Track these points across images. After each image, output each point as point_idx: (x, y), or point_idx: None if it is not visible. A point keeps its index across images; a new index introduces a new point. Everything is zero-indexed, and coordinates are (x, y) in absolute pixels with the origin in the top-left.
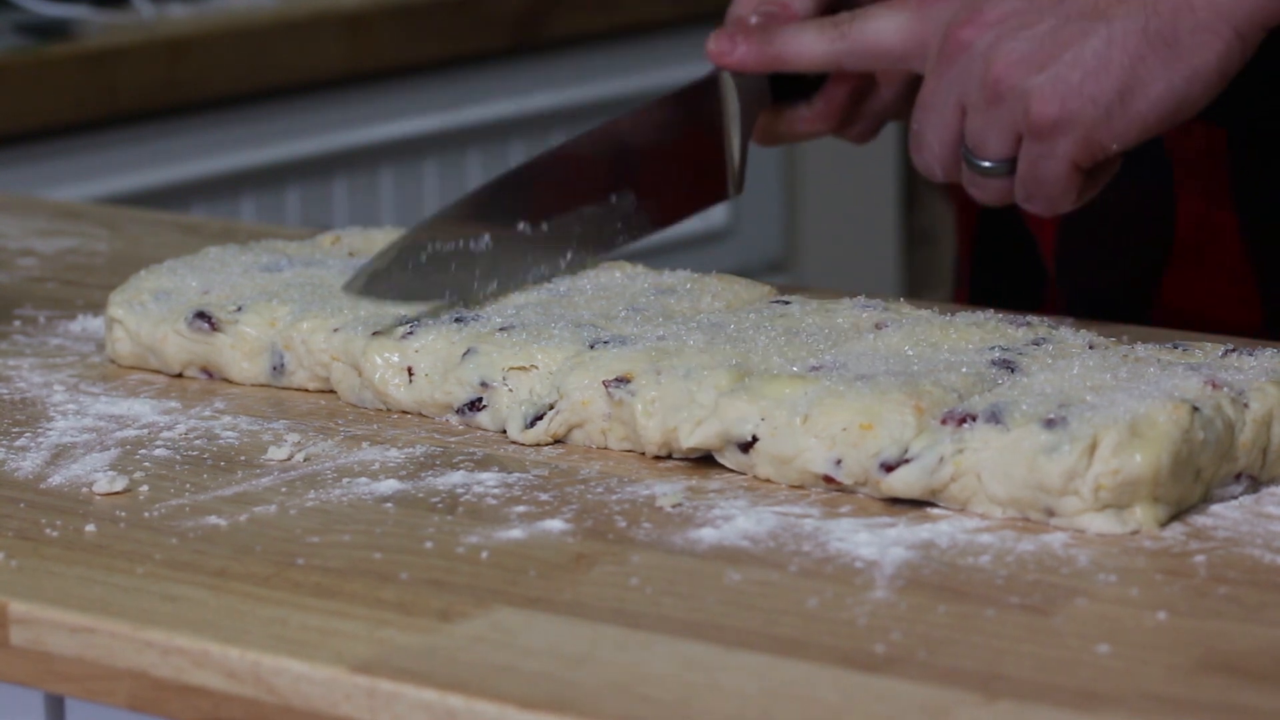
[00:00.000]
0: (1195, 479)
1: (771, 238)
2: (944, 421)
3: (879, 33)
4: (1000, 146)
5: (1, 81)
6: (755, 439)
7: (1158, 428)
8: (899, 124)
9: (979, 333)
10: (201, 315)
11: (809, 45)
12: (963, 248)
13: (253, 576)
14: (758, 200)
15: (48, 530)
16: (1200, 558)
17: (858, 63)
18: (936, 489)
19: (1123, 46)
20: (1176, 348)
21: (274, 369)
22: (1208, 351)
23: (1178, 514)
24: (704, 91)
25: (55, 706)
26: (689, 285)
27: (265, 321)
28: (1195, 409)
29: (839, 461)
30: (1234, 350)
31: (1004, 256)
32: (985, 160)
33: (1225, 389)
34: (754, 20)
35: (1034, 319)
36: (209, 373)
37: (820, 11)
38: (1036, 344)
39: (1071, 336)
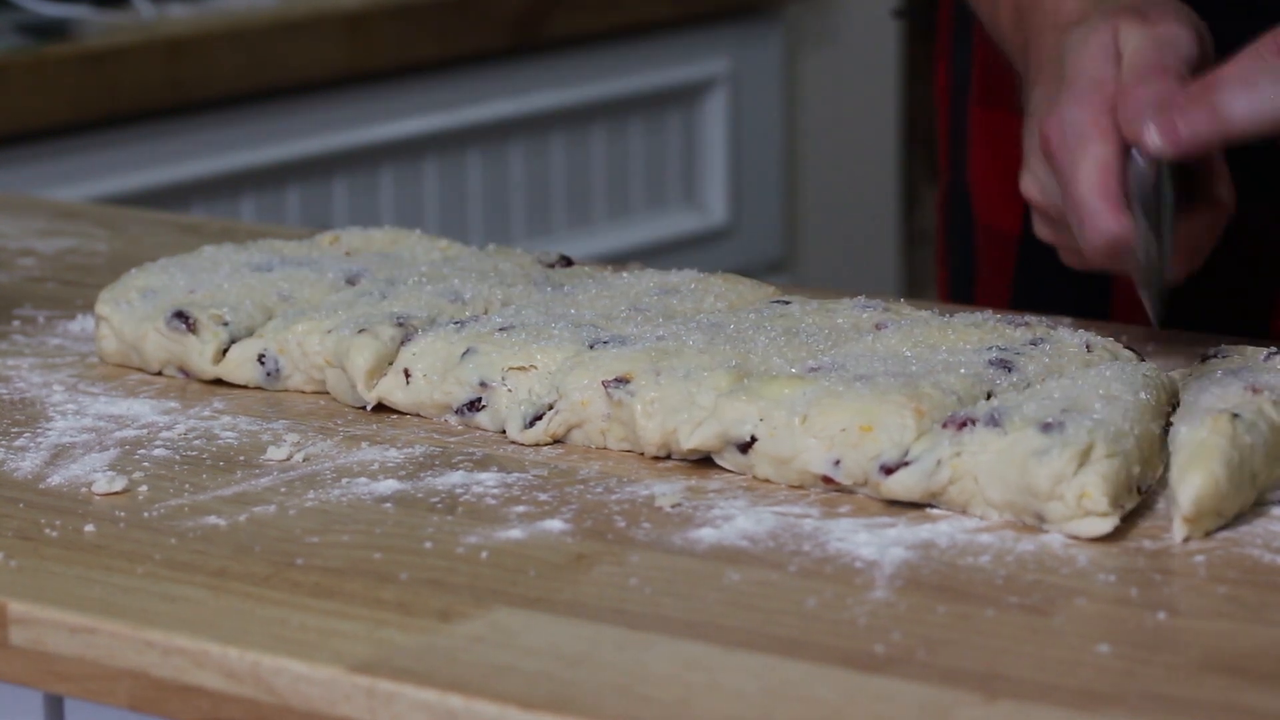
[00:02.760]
0: (1251, 485)
1: (771, 238)
2: (945, 425)
3: None
4: None
5: (1, 81)
6: (754, 439)
7: (1204, 445)
8: (902, 120)
9: (977, 333)
10: (180, 315)
11: (1269, 104)
12: (996, 263)
13: (252, 576)
14: (758, 200)
15: (47, 530)
16: (1200, 558)
17: None
18: (935, 492)
19: None
20: (1208, 357)
21: (268, 375)
22: (1248, 356)
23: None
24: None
25: (55, 706)
26: (693, 285)
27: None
28: (1235, 416)
29: (837, 462)
30: (1276, 353)
31: (1057, 272)
32: None
33: (1266, 392)
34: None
35: (1032, 319)
36: (186, 372)
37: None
38: (1034, 344)
39: (1069, 336)
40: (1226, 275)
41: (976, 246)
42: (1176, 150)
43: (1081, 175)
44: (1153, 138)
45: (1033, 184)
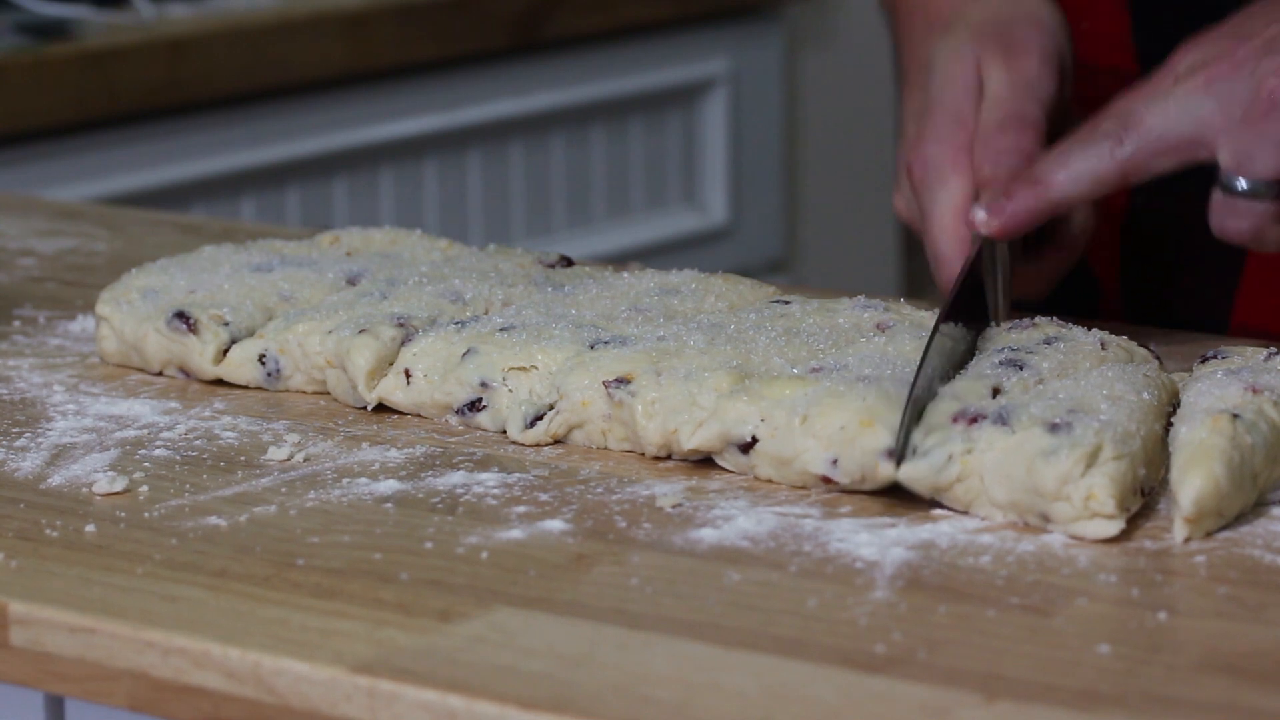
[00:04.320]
0: (1253, 485)
1: (771, 238)
2: (955, 420)
3: (1166, 125)
4: (1271, 163)
5: (1, 81)
6: (755, 440)
7: (1205, 445)
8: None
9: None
10: (180, 315)
11: (1085, 168)
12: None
13: (253, 577)
14: (758, 200)
15: (48, 530)
16: (1200, 558)
17: (1143, 170)
18: (942, 487)
19: None
20: (1208, 359)
21: (268, 375)
22: (1248, 356)
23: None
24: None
25: (55, 706)
26: (693, 285)
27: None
28: (1235, 416)
29: (835, 461)
30: (1276, 353)
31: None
32: (1249, 179)
33: (1266, 393)
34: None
35: (1041, 319)
36: (187, 373)
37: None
38: (1047, 343)
39: (1083, 335)
40: (1185, 273)
41: None
42: (1005, 228)
43: (936, 217)
44: (982, 220)
45: (902, 202)
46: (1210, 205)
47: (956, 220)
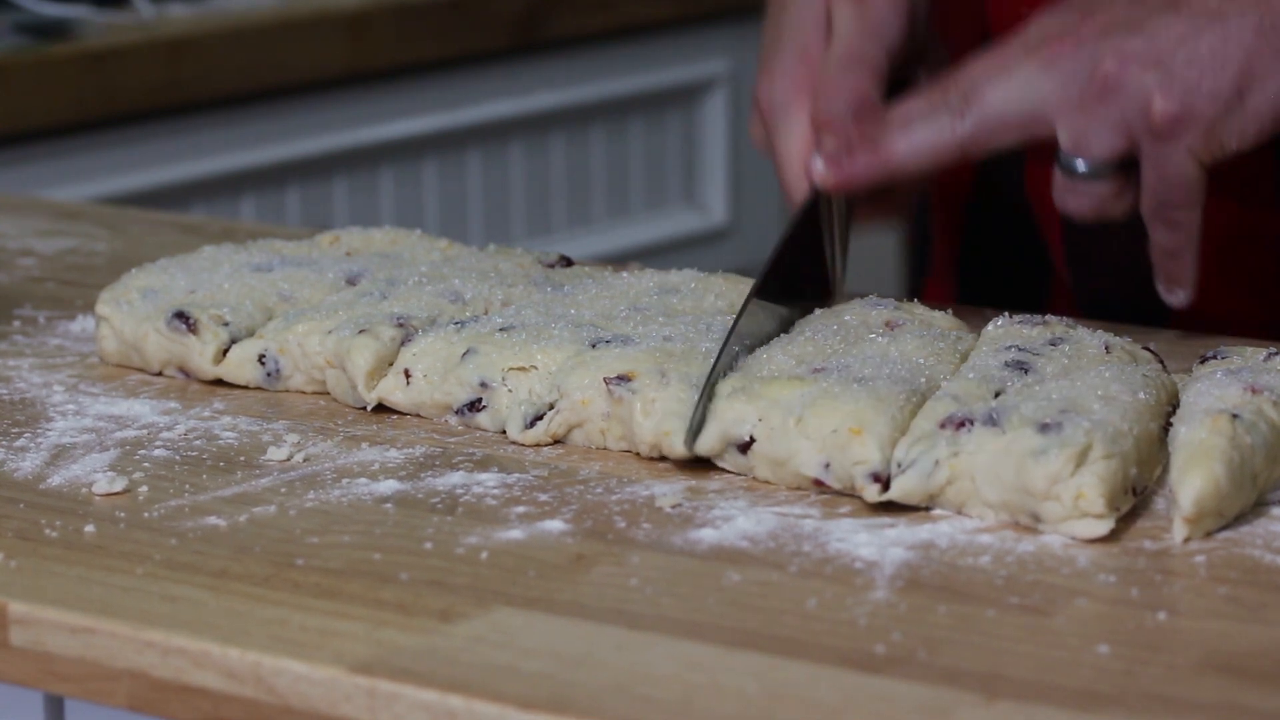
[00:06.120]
0: (1252, 485)
1: (771, 238)
2: (943, 426)
3: (1007, 103)
4: (1106, 145)
5: (1, 81)
6: (753, 440)
7: (1204, 445)
8: None
9: (993, 335)
10: (180, 315)
11: (926, 140)
12: (943, 244)
13: (252, 577)
14: (758, 200)
15: (47, 530)
16: (1200, 558)
17: (983, 146)
18: (934, 493)
19: (1238, 42)
20: (1208, 359)
21: (268, 375)
22: (1248, 356)
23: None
24: (806, 218)
25: (55, 707)
26: (693, 285)
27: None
28: (1235, 416)
29: (828, 465)
30: (1276, 354)
31: (1000, 254)
32: (1086, 159)
33: (1266, 393)
34: (846, 125)
35: (1052, 318)
36: (186, 373)
37: (890, 67)
38: (1053, 344)
39: (1089, 337)
40: (1125, 260)
41: (931, 208)
42: (840, 185)
43: (782, 146)
44: (820, 172)
45: (757, 132)
46: (1053, 183)
47: (803, 148)
